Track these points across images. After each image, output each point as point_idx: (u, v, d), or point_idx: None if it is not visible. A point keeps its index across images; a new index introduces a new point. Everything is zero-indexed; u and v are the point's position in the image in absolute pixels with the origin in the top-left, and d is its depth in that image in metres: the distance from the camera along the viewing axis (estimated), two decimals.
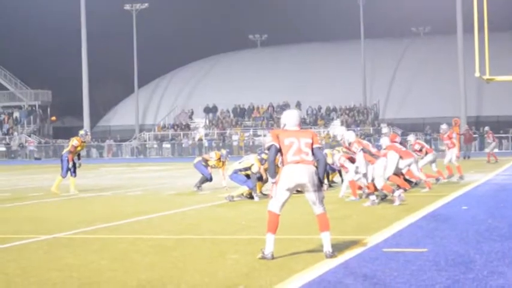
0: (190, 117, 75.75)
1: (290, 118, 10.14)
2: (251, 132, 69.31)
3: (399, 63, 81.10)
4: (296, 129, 10.09)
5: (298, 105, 71.54)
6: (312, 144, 9.96)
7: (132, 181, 28.93)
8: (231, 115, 74.39)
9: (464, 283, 8.05)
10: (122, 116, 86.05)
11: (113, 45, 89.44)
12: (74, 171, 22.54)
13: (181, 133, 72.17)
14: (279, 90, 77.33)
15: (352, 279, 8.41)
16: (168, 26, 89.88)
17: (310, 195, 9.96)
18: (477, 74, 24.61)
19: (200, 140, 67.71)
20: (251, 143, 65.81)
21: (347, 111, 70.42)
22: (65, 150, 23.32)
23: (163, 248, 11.10)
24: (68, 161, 22.41)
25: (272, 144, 10.00)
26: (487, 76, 25.11)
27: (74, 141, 22.67)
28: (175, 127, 74.51)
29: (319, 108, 72.31)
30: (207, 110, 75.15)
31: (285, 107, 70.26)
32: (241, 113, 74.37)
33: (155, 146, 71.88)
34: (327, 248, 9.70)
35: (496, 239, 11.11)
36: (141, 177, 32.05)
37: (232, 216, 15.60)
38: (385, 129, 29.67)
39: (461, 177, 23.67)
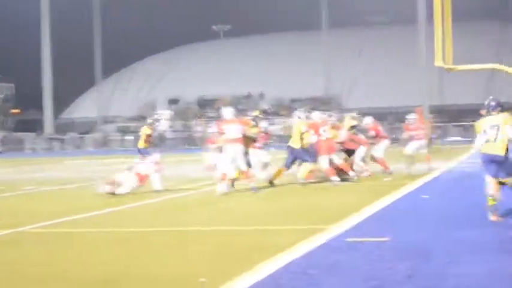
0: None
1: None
2: (215, 123, 69.16)
3: (361, 53, 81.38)
4: None
5: (261, 96, 71.58)
6: None
7: (95, 174, 28.76)
8: (195, 106, 74.21)
9: (424, 272, 8.13)
10: (84, 108, 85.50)
11: (76, 36, 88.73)
12: None
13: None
14: (242, 81, 77.28)
15: (315, 269, 8.44)
16: (132, 17, 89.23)
17: None
18: (438, 64, 24.81)
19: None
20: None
21: (310, 101, 70.54)
22: (141, 144, 22.08)
23: (126, 240, 11.10)
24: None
25: None
26: (448, 65, 25.31)
27: (147, 131, 22.03)
28: (139, 119, 74.11)
29: (282, 99, 72.37)
30: (171, 102, 74.89)
31: (248, 97, 70.33)
32: (204, 104, 74.22)
33: (118, 138, 71.47)
34: None
35: (456, 227, 11.22)
36: (104, 170, 31.87)
37: (196, 208, 15.60)
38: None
39: (429, 167, 23.62)
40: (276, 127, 49.75)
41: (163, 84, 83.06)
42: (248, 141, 19.09)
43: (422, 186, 18.67)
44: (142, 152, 19.92)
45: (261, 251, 9.60)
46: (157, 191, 18.63)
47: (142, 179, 18.99)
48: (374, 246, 9.70)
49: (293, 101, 71.83)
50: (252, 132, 19.28)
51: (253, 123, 20.12)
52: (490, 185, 12.27)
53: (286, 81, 76.51)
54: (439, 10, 24.28)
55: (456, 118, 63.24)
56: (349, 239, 10.31)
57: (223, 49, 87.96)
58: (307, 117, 20.96)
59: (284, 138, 44.45)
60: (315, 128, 20.23)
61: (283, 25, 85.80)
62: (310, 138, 19.99)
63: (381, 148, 22.90)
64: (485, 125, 12.71)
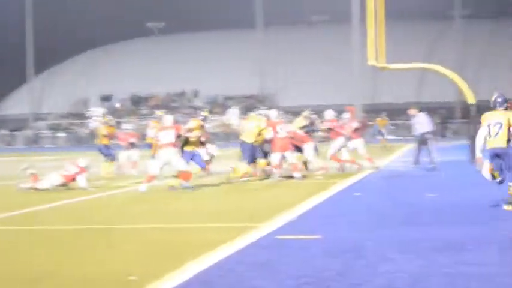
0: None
1: None
2: (147, 121, 68.73)
3: (296, 52, 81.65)
4: None
5: (196, 94, 71.43)
6: None
7: (25, 171, 28.26)
8: (128, 103, 73.72)
9: (355, 269, 8.13)
10: (16, 105, 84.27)
11: (7, 32, 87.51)
12: None
13: (78, 122, 71.21)
14: (177, 79, 77.01)
15: (245, 266, 8.39)
16: (64, 13, 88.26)
17: None
18: (371, 62, 25.02)
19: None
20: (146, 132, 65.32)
21: (244, 99, 70.65)
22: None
23: (56, 239, 10.91)
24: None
25: None
26: (381, 64, 25.54)
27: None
28: (71, 116, 73.44)
29: (217, 97, 72.31)
30: (103, 99, 74.27)
31: (181, 95, 70.13)
32: (138, 102, 73.76)
33: (49, 135, 70.66)
34: None
35: (387, 225, 11.28)
36: (35, 167, 31.38)
37: (127, 206, 15.44)
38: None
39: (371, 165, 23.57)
40: (210, 125, 49.62)
41: (96, 81, 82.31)
42: (196, 142, 19.31)
43: (354, 184, 18.76)
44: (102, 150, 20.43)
45: (192, 249, 9.51)
46: (84, 189, 18.56)
47: (68, 178, 18.98)
48: (305, 244, 9.68)
49: (227, 99, 71.81)
50: (194, 134, 19.38)
51: (202, 123, 20.42)
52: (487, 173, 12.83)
53: (220, 79, 76.47)
54: (372, 10, 24.50)
55: (389, 117, 63.87)
56: (280, 237, 10.27)
57: (158, 46, 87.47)
58: (265, 115, 21.73)
59: (219, 136, 44.41)
60: (273, 126, 20.75)
61: (219, 23, 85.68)
62: (268, 134, 20.59)
63: (336, 145, 23.00)
64: (491, 119, 13.11)
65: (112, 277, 8.15)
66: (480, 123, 13.23)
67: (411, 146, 25.21)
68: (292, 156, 20.84)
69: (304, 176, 20.79)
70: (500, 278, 7.56)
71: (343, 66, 71.67)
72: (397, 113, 63.38)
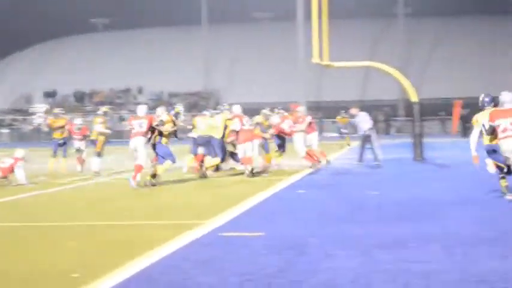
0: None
1: None
2: (91, 118, 68.22)
3: (241, 49, 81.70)
4: None
5: (140, 90, 71.09)
6: None
7: None
8: (72, 99, 73.06)
9: (297, 266, 8.17)
10: None
11: None
12: None
13: (21, 118, 70.42)
14: (121, 75, 76.57)
15: (188, 264, 8.39)
16: (6, 9, 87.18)
17: None
18: (315, 60, 25.15)
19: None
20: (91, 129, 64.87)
21: (189, 96, 70.50)
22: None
23: None
24: None
25: None
26: (325, 62, 25.70)
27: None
28: (14, 112, 72.59)
29: (161, 93, 72.02)
30: (47, 95, 73.50)
31: (126, 91, 69.74)
32: (82, 98, 73.16)
33: None
34: None
35: (330, 222, 11.35)
36: None
37: (70, 203, 15.32)
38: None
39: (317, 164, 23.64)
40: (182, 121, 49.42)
41: (40, 76, 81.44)
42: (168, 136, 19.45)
43: (298, 181, 18.84)
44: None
45: (136, 246, 9.48)
46: (23, 185, 18.42)
47: (5, 171, 18.84)
48: (248, 241, 9.70)
49: (172, 95, 71.59)
50: (165, 127, 19.40)
51: (173, 118, 20.46)
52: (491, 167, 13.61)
53: (165, 76, 76.19)
54: (317, 8, 24.62)
55: (333, 114, 64.29)
56: (223, 234, 10.29)
57: (102, 42, 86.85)
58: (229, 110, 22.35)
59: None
60: (240, 118, 21.13)
61: (164, 20, 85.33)
62: (235, 125, 20.93)
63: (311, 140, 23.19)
64: (483, 119, 13.83)
65: (55, 275, 8.08)
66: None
67: (356, 144, 25.38)
68: (250, 149, 20.90)
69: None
70: (441, 275, 7.66)
71: (287, 63, 71.92)
72: (341, 110, 63.76)
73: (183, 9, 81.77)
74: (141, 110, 19.07)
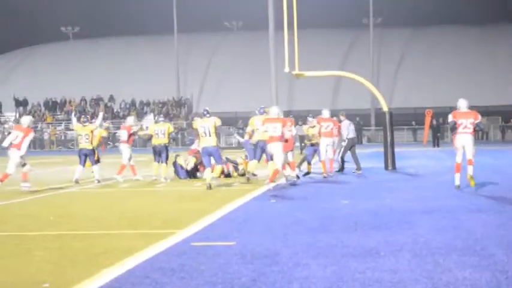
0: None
1: None
2: (63, 126, 67.93)
3: (213, 58, 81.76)
4: None
5: (112, 99, 70.85)
6: None
7: None
8: (43, 108, 72.65)
9: (269, 275, 8.16)
10: None
11: None
12: None
13: None
14: (92, 84, 76.28)
15: (159, 273, 8.37)
16: None
17: None
18: (286, 69, 25.21)
19: None
20: (63, 137, 64.60)
21: (160, 105, 70.35)
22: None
23: None
24: None
25: None
26: (296, 71, 25.75)
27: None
28: None
29: (133, 102, 71.82)
30: (18, 104, 73.00)
31: (98, 100, 69.46)
32: (53, 107, 72.77)
33: None
34: None
35: (302, 231, 11.35)
36: None
37: (40, 212, 15.20)
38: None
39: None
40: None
41: (10, 85, 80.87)
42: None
43: (270, 190, 18.82)
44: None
45: (107, 256, 9.45)
46: None
47: None
48: (220, 250, 9.69)
49: (144, 104, 71.40)
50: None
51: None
52: None
53: (137, 84, 76.02)
54: (288, 18, 24.68)
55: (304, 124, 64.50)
56: (195, 243, 10.26)
57: (73, 51, 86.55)
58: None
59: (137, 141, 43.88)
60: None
61: (135, 28, 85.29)
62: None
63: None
64: None
65: (25, 285, 8.04)
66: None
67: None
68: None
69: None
70: (411, 284, 7.69)
71: (259, 72, 72.07)
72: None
73: (154, 18, 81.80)
74: (128, 121, 19.62)
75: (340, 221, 12.48)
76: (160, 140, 22.77)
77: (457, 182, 17.84)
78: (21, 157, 19.49)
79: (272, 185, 19.61)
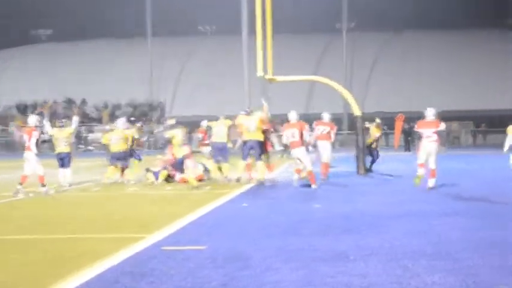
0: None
1: None
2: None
3: (187, 61, 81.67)
4: None
5: (84, 102, 70.56)
6: None
7: None
8: (14, 111, 72.15)
9: (240, 279, 8.17)
10: None
11: None
12: None
13: None
14: (64, 87, 75.89)
15: (129, 278, 8.35)
16: None
17: None
18: (259, 74, 25.19)
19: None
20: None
21: (133, 108, 70.14)
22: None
23: None
24: None
25: None
26: (269, 76, 25.75)
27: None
28: None
29: (106, 105, 71.55)
30: None
31: (70, 103, 69.13)
32: (24, 109, 72.28)
33: None
34: None
35: (273, 235, 11.36)
36: None
37: (12, 216, 15.12)
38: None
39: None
40: (99, 134, 49.08)
41: None
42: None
43: (242, 194, 18.83)
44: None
45: (77, 260, 9.41)
46: None
47: None
48: (190, 255, 9.67)
49: (116, 107, 71.16)
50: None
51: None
52: None
53: (109, 87, 75.75)
54: (261, 22, 24.69)
55: (277, 128, 64.50)
56: (165, 247, 10.24)
57: (45, 54, 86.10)
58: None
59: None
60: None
61: (108, 31, 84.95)
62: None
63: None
64: None
65: None
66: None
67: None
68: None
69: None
70: None
71: (232, 77, 72.07)
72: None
73: (127, 21, 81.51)
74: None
75: (311, 224, 12.51)
76: (120, 147, 23.06)
77: (421, 173, 19.39)
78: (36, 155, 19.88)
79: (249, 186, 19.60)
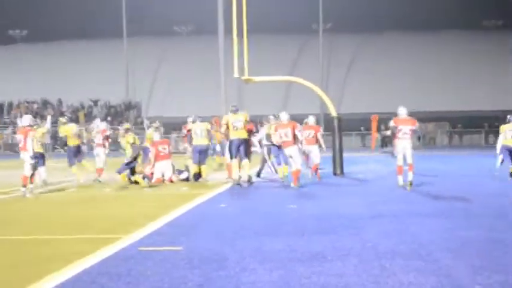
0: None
1: None
2: (10, 130, 67.12)
3: (162, 62, 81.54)
4: None
5: (60, 103, 70.25)
6: None
7: None
8: None
9: (216, 280, 8.17)
10: None
11: None
12: None
13: None
14: (40, 87, 75.56)
15: (106, 278, 8.33)
16: None
17: None
18: (236, 75, 25.21)
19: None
20: (10, 141, 63.81)
21: (109, 109, 69.94)
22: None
23: None
24: None
25: None
26: (245, 76, 25.77)
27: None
28: None
29: (81, 106, 71.30)
30: None
31: (46, 103, 68.80)
32: (1, 110, 71.90)
33: None
34: None
35: (250, 235, 11.36)
36: None
37: None
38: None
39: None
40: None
41: None
42: None
43: (219, 195, 18.82)
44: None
45: (53, 260, 9.37)
46: None
47: None
48: (167, 255, 9.66)
49: (92, 108, 70.93)
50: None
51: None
52: None
53: (85, 88, 75.47)
54: (237, 23, 24.70)
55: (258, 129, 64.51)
56: (142, 248, 10.21)
57: (20, 54, 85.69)
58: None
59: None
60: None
61: (85, 32, 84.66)
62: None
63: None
64: (506, 129, 21.88)
65: None
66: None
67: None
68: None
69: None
70: None
71: (209, 77, 71.97)
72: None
73: (103, 22, 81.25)
74: (101, 124, 20.31)
75: (288, 225, 12.51)
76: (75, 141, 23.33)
77: (400, 183, 19.76)
78: (31, 157, 19.83)
79: (227, 187, 19.59)
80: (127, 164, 22.09)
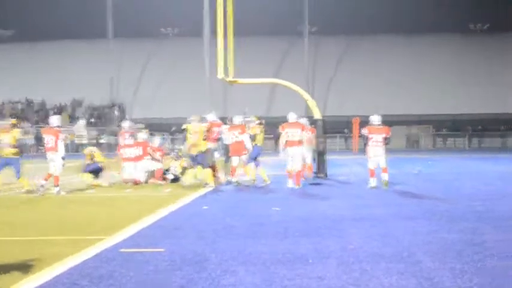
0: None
1: None
2: None
3: (148, 63, 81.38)
4: None
5: (43, 103, 70.07)
6: None
7: None
8: None
9: (197, 282, 8.17)
10: None
11: None
12: None
13: None
14: (24, 87, 75.31)
15: (87, 280, 8.31)
16: None
17: None
18: (220, 76, 25.19)
19: None
20: None
21: (93, 110, 69.83)
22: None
23: None
24: None
25: None
26: (230, 78, 25.78)
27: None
28: None
29: (65, 106, 71.12)
30: None
31: (29, 104, 68.62)
32: None
33: None
34: None
35: (232, 237, 11.36)
36: None
37: None
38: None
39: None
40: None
41: None
42: None
43: (202, 197, 18.81)
44: None
45: (34, 262, 9.33)
46: None
47: None
48: (149, 257, 9.65)
49: (76, 109, 70.78)
50: None
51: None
52: None
53: (69, 88, 75.25)
54: (222, 25, 24.70)
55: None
56: (124, 250, 10.20)
57: (6, 54, 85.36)
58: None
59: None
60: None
61: (69, 33, 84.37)
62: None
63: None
64: None
65: None
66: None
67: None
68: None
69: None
70: None
71: (194, 79, 71.95)
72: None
73: (89, 23, 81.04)
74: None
75: (270, 227, 12.52)
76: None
77: (373, 184, 20.56)
78: (62, 158, 20.23)
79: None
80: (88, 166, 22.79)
